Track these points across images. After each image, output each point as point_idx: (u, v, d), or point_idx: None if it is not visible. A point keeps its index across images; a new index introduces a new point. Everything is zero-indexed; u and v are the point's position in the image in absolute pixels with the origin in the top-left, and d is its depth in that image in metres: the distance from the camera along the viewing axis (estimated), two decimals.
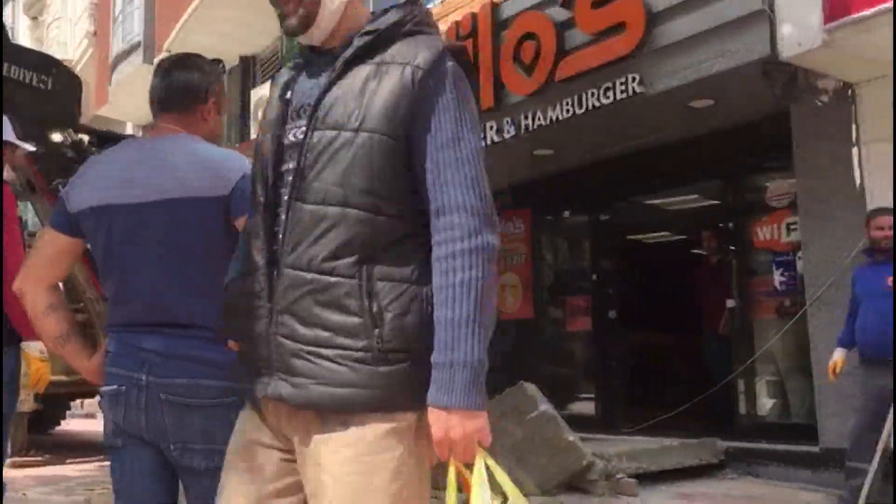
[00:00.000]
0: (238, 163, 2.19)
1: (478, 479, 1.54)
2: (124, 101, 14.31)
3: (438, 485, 4.44)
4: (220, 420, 2.09)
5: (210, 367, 2.08)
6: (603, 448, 6.23)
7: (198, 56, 2.41)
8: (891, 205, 5.21)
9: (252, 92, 12.15)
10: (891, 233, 4.88)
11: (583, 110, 6.59)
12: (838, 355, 5.10)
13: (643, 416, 7.42)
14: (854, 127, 5.76)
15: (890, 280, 4.80)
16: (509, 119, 7.19)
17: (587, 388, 8.65)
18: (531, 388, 6.13)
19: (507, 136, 7.24)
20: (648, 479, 6.03)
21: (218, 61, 2.49)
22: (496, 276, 1.60)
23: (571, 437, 5.85)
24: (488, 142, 7.41)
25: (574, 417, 8.32)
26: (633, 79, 6.19)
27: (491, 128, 7.35)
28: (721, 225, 7.55)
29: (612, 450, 6.18)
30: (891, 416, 4.47)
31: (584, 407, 8.38)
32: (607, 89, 6.39)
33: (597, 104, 6.47)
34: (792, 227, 6.49)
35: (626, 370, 8.24)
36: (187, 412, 2.07)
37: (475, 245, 1.56)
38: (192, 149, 2.19)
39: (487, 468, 1.56)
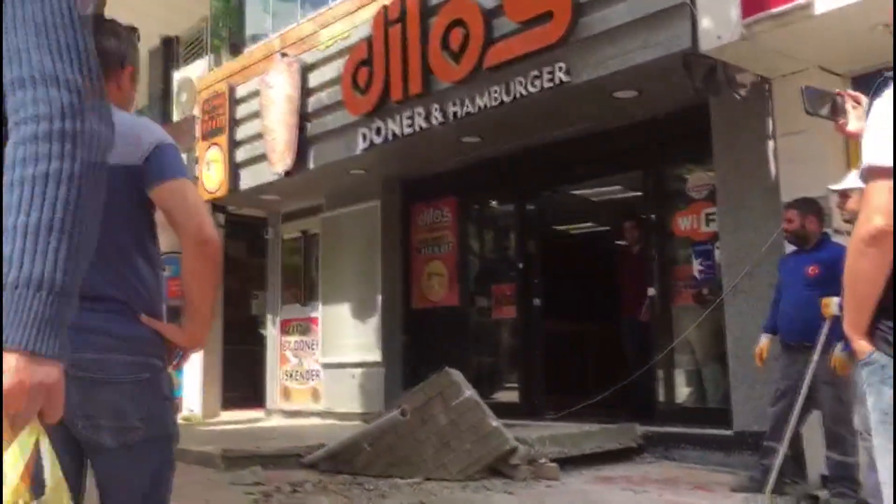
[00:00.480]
0: (152, 132, 2.11)
1: (14, 458, 1.12)
2: None
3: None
4: (130, 396, 2.02)
5: (120, 341, 2.00)
6: (526, 433, 6.30)
7: (114, 21, 2.31)
8: (801, 195, 5.41)
9: (174, 73, 11.82)
10: (793, 225, 5.09)
11: (510, 98, 6.62)
12: (763, 341, 5.26)
13: (566, 403, 7.53)
14: (770, 120, 5.93)
15: (809, 269, 4.97)
16: (437, 105, 7.18)
17: (511, 376, 8.73)
18: (456, 374, 6.15)
19: (434, 122, 7.23)
20: (570, 463, 6.12)
21: (134, 29, 2.40)
22: (99, 180, 1.23)
23: (495, 422, 5.89)
24: (416, 128, 7.39)
25: (498, 405, 8.38)
26: (560, 68, 6.26)
27: (419, 114, 7.33)
28: (643, 216, 7.70)
29: (535, 435, 6.25)
30: (801, 396, 4.63)
31: (509, 395, 8.46)
32: (535, 78, 6.44)
33: (524, 92, 6.52)
34: (710, 217, 6.66)
35: (550, 358, 8.33)
36: (96, 388, 1.99)
37: (70, 129, 1.15)
38: None
39: (38, 449, 1.16)
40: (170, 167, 2.06)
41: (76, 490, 2.11)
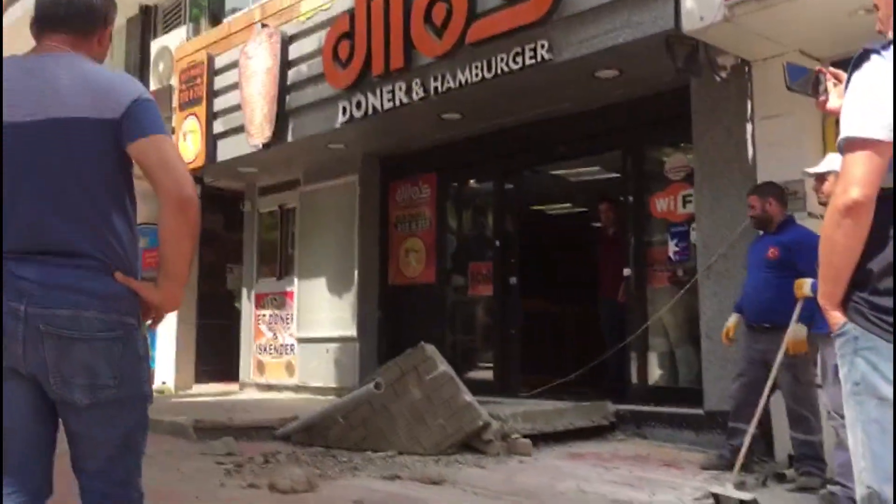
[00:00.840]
0: (130, 87, 2.08)
1: None
2: (12, 46, 13.47)
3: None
4: (103, 354, 2.00)
5: (93, 298, 1.98)
6: (499, 410, 6.34)
7: None
8: (779, 179, 5.46)
9: (152, 43, 11.64)
10: (755, 211, 5.20)
11: (492, 75, 6.60)
12: (732, 320, 5.33)
13: (540, 382, 7.58)
14: (749, 103, 5.96)
15: (769, 252, 5.02)
16: (418, 80, 7.14)
17: (486, 354, 8.77)
18: (430, 349, 6.17)
19: (415, 97, 7.19)
20: (542, 439, 6.17)
21: None
22: None
23: (469, 398, 5.92)
24: (396, 103, 7.35)
25: (473, 382, 8.41)
26: (542, 45, 6.24)
27: (400, 88, 7.29)
28: (621, 197, 7.73)
29: (508, 411, 6.29)
30: (771, 377, 4.69)
31: (483, 372, 8.49)
32: (516, 55, 6.42)
33: (506, 69, 6.50)
34: (688, 199, 6.70)
35: (525, 337, 8.37)
36: (68, 345, 1.97)
37: None
38: (81, 69, 2.07)
39: None
40: (149, 123, 2.03)
41: (49, 447, 2.11)
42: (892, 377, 1.78)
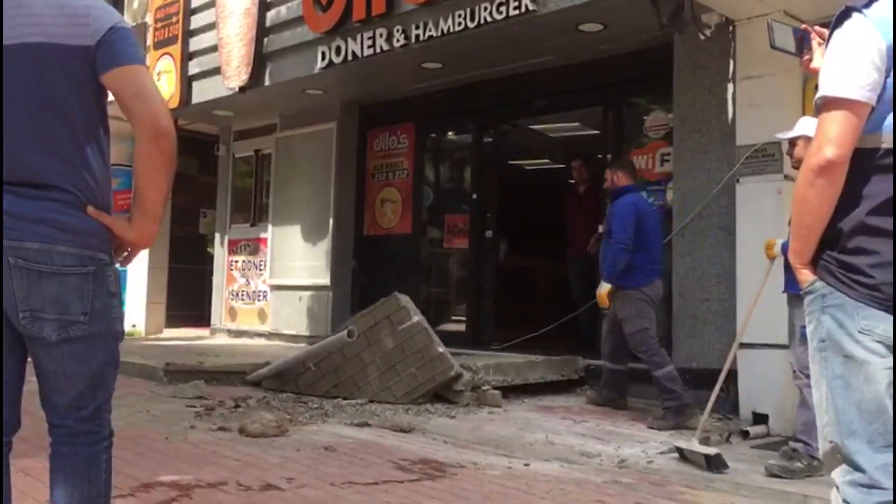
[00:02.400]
0: (107, 14, 2.01)
1: None
2: None
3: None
4: (74, 289, 1.97)
5: (66, 232, 1.94)
6: (471, 361, 6.39)
7: None
8: (758, 140, 5.48)
9: None
10: (606, 183, 5.89)
11: (475, 24, 6.51)
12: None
13: (512, 335, 7.63)
14: (732, 63, 5.94)
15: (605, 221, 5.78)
16: (399, 27, 7.03)
17: (460, 307, 8.80)
18: (404, 299, 6.17)
19: (396, 45, 7.07)
20: (513, 391, 6.24)
21: None
22: None
23: (441, 348, 5.95)
24: (377, 49, 7.23)
25: (446, 333, 8.45)
26: None
27: (381, 35, 7.17)
28: (599, 154, 7.71)
29: (480, 363, 6.34)
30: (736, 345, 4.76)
31: (456, 325, 8.54)
32: (500, 5, 6.32)
33: (489, 19, 6.40)
34: (665, 157, 6.71)
35: (499, 290, 8.41)
36: (39, 279, 1.93)
37: None
38: None
39: None
40: (126, 52, 1.97)
41: (17, 382, 2.08)
42: (857, 335, 1.80)
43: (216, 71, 8.91)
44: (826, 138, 1.79)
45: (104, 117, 2.07)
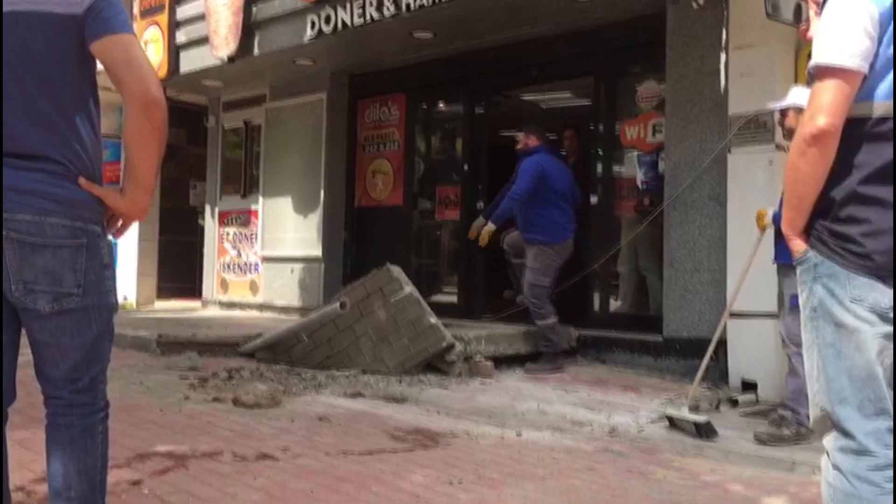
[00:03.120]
0: None
1: None
2: None
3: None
4: (67, 261, 1.96)
5: (58, 203, 1.93)
6: (463, 332, 6.41)
7: None
8: (750, 110, 5.48)
9: None
10: (519, 145, 6.45)
11: None
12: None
13: (504, 306, 7.65)
14: (724, 32, 5.91)
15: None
16: None
17: (452, 278, 8.81)
18: (396, 270, 6.18)
19: (387, 14, 7.00)
20: (505, 362, 6.28)
21: None
22: None
23: (433, 319, 5.97)
24: (367, 19, 7.16)
25: (438, 305, 8.46)
26: None
27: (371, 3, 7.09)
28: (591, 125, 7.69)
29: (472, 334, 6.36)
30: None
31: (448, 296, 8.55)
32: None
33: None
34: (658, 128, 6.69)
35: (490, 261, 8.40)
36: (31, 251, 1.92)
37: None
38: None
39: None
40: (114, 20, 1.94)
41: (12, 353, 2.08)
42: (848, 303, 1.81)
43: (204, 40, 8.81)
44: (818, 107, 1.78)
45: (94, 88, 2.05)
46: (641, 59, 7.01)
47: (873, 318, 1.80)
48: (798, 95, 4.38)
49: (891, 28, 1.77)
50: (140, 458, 3.50)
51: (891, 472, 1.80)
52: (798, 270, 1.94)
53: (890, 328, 1.80)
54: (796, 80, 5.38)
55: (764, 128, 5.52)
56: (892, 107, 1.77)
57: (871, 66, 1.77)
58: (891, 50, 1.77)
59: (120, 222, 2.11)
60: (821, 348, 1.88)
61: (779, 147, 5.37)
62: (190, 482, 3.21)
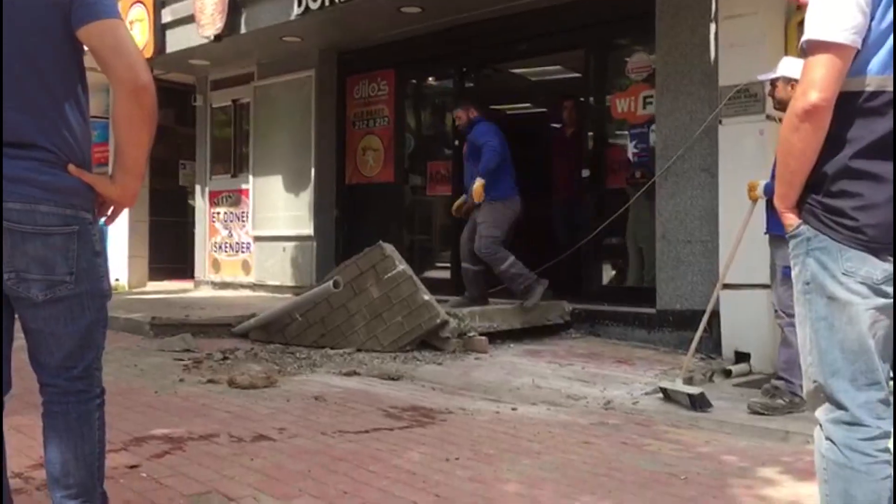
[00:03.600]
0: None
1: None
2: None
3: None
4: (58, 249, 1.95)
5: (48, 191, 1.91)
6: (456, 309, 6.42)
7: None
8: (740, 81, 5.47)
9: None
10: (461, 121, 6.79)
11: None
12: (461, 200, 6.86)
13: (496, 281, 7.64)
14: (714, 2, 5.88)
15: (464, 148, 6.69)
16: None
17: (444, 254, 8.81)
18: (389, 247, 6.17)
19: None
20: (499, 337, 6.30)
21: None
22: None
23: (427, 296, 5.98)
24: None
25: (431, 281, 8.47)
26: None
27: None
28: (581, 98, 7.66)
29: (466, 310, 6.37)
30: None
31: (441, 272, 8.56)
32: None
33: None
34: (648, 100, 6.67)
35: None
36: (23, 239, 1.91)
37: None
38: None
39: None
40: (99, 5, 1.91)
41: (7, 344, 2.07)
42: (840, 276, 1.82)
43: (190, 19, 8.72)
44: (810, 82, 1.78)
45: (82, 73, 2.02)
46: (631, 31, 6.98)
47: (865, 290, 1.81)
48: (788, 66, 4.37)
49: (884, 1, 1.76)
50: (137, 442, 3.51)
51: (883, 443, 1.82)
52: (791, 244, 1.95)
53: (882, 300, 1.81)
54: (786, 51, 5.36)
55: (754, 98, 5.51)
56: (884, 81, 1.76)
57: (864, 41, 1.77)
58: (882, 25, 1.76)
59: (111, 209, 2.10)
60: (813, 321, 1.89)
61: (769, 117, 5.36)
62: (187, 465, 3.22)
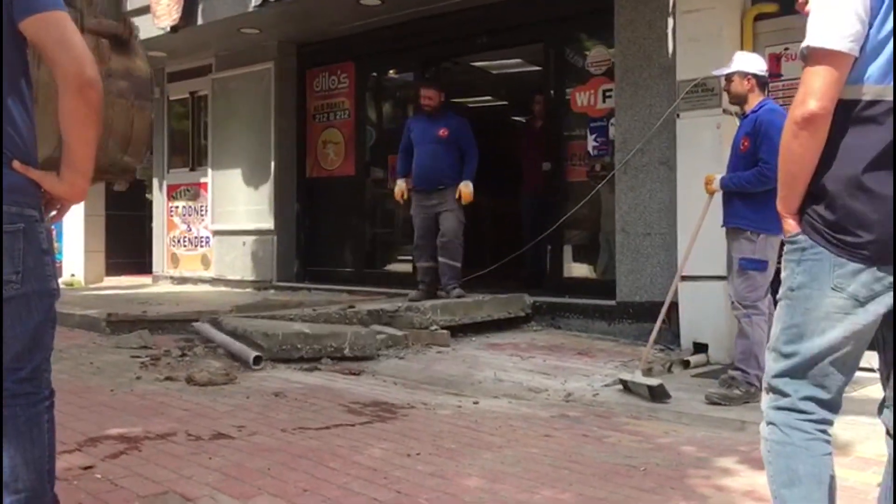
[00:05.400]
0: None
1: None
2: None
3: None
4: (4, 248, 1.90)
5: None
6: (419, 302, 6.40)
7: None
8: (698, 75, 5.52)
9: None
10: (433, 102, 6.76)
11: None
12: (401, 184, 6.97)
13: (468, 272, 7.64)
14: None
15: (440, 132, 6.68)
16: None
17: (406, 247, 8.78)
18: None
19: None
20: (461, 330, 6.30)
21: None
22: None
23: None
24: None
25: (392, 275, 8.47)
26: None
27: None
28: (541, 92, 7.67)
29: (428, 304, 6.36)
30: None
31: (403, 266, 8.53)
32: None
33: None
34: (608, 93, 6.71)
35: None
36: None
37: None
38: None
39: None
40: None
41: None
42: (828, 291, 1.84)
43: (146, 10, 8.55)
44: (809, 90, 1.80)
45: (25, 67, 1.97)
46: (590, 25, 7.00)
47: (849, 306, 1.83)
48: (743, 61, 4.43)
49: (882, 10, 1.78)
50: (91, 442, 3.44)
51: (822, 426, 1.88)
52: (785, 248, 1.96)
53: (861, 318, 1.83)
54: (742, 46, 5.43)
55: (711, 92, 5.57)
56: (882, 91, 1.78)
57: (862, 49, 1.79)
58: (881, 34, 1.78)
59: (58, 207, 2.04)
60: (786, 327, 1.92)
61: (726, 111, 5.41)
62: (144, 465, 3.17)
